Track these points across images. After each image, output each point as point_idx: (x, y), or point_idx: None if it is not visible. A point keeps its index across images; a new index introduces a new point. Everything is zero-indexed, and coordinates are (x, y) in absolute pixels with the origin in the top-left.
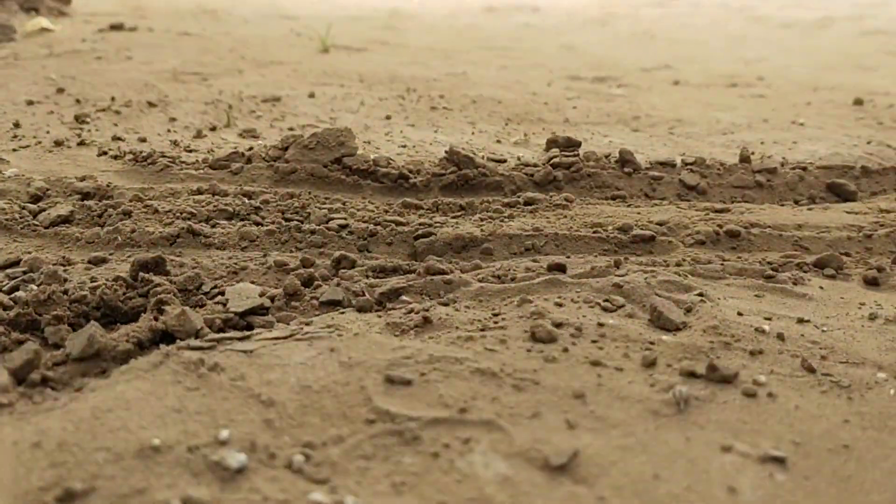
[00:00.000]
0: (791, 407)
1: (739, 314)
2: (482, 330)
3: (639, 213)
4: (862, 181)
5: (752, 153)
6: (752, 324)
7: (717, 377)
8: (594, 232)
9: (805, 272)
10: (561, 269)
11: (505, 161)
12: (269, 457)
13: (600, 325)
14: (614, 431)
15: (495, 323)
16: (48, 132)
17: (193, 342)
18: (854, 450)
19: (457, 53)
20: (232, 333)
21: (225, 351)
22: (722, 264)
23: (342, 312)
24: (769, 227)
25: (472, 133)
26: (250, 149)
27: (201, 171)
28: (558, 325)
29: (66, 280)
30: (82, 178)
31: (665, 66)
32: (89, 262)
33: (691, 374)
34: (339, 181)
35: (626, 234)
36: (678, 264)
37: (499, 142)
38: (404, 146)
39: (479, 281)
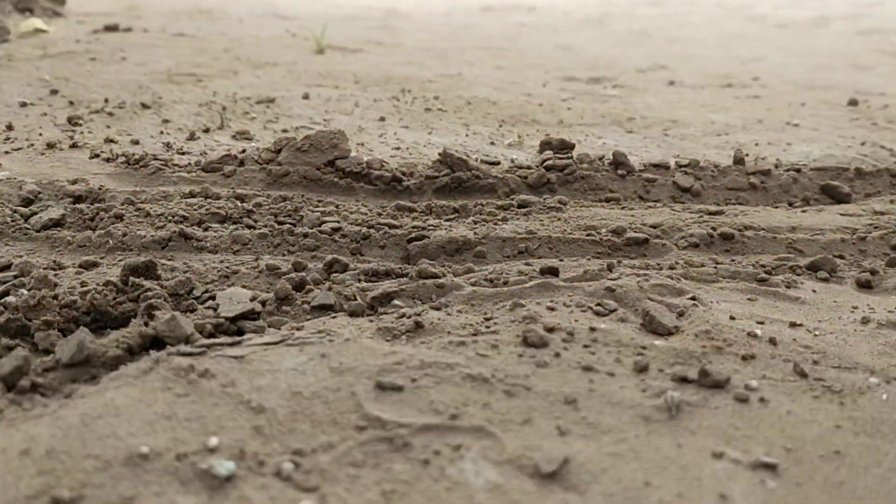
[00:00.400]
0: (783, 412)
1: (732, 318)
2: (474, 335)
3: (632, 216)
4: (856, 183)
5: (747, 155)
6: (744, 328)
7: (708, 382)
8: (587, 235)
9: (798, 275)
10: (553, 272)
11: (499, 163)
12: (258, 464)
13: (592, 329)
14: (606, 438)
15: (487, 327)
16: (41, 134)
17: (184, 348)
18: (846, 456)
19: (452, 53)
20: (223, 339)
21: (215, 357)
22: (715, 267)
23: (334, 317)
24: (763, 229)
25: (466, 135)
26: (243, 151)
27: (194, 174)
28: (550, 330)
29: (56, 285)
30: (74, 181)
31: (660, 66)
32: (80, 266)
33: (683, 380)
34: (332, 184)
35: (619, 236)
36: (671, 267)
37: (493, 143)
38: (398, 148)
39: (472, 285)
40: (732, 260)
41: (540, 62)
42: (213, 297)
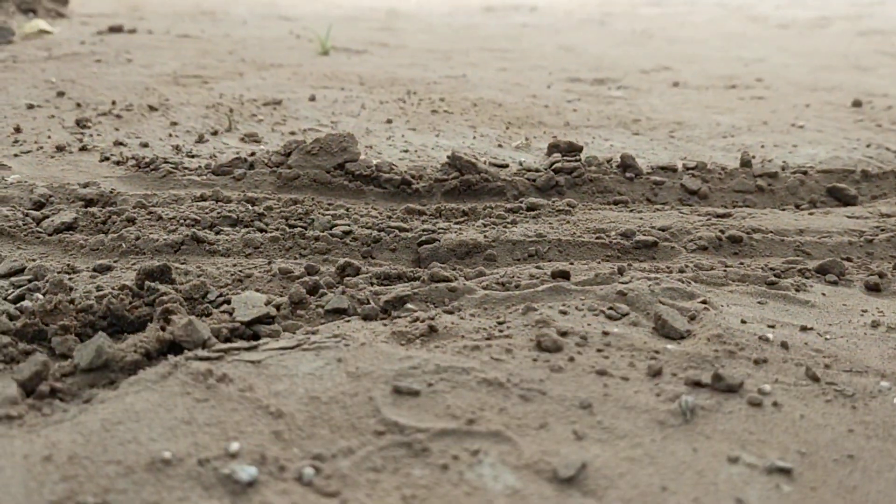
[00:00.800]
0: (796, 416)
1: (743, 322)
2: (488, 339)
3: (641, 219)
4: (862, 185)
5: (753, 157)
6: (755, 332)
7: (722, 386)
8: (597, 238)
9: (807, 278)
10: (565, 276)
11: (507, 166)
12: (279, 469)
13: (605, 333)
14: (622, 442)
15: (500, 332)
16: (49, 137)
17: (201, 353)
18: (859, 460)
19: (456, 55)
20: (239, 343)
21: (233, 361)
22: (724, 270)
23: (348, 321)
24: (771, 232)
25: (474, 137)
26: (252, 154)
27: (204, 178)
28: (563, 334)
29: (71, 289)
30: (85, 185)
31: (664, 67)
32: (94, 269)
33: (697, 384)
34: (342, 187)
35: (628, 239)
36: (681, 270)
37: (500, 146)
38: (406, 151)
39: (484, 288)
40: (741, 263)
41: (543, 63)
42: (227, 301)
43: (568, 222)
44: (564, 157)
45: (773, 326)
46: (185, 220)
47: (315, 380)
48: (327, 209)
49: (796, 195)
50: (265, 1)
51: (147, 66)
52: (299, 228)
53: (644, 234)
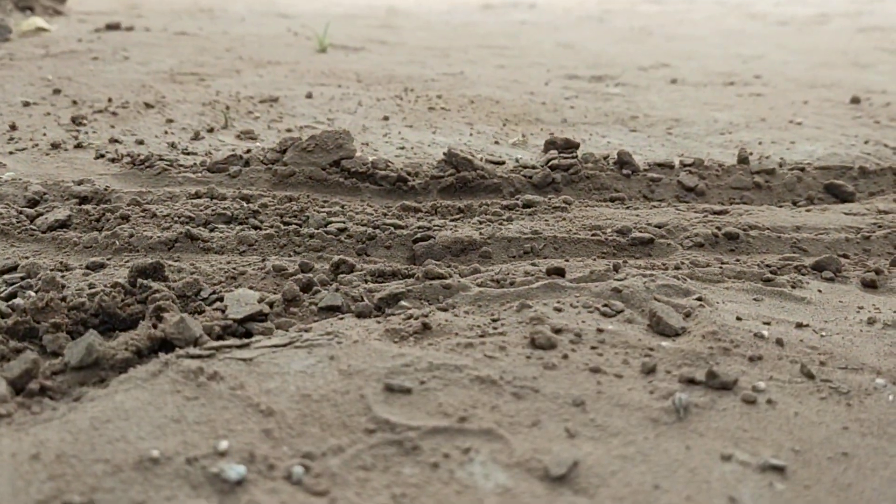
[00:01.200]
0: (790, 414)
1: (738, 319)
2: (481, 336)
3: (637, 216)
4: (860, 182)
5: (751, 154)
6: (751, 329)
7: (716, 384)
8: (593, 235)
9: (803, 275)
10: (560, 273)
11: (503, 163)
12: (268, 468)
13: (599, 330)
14: (614, 440)
15: (494, 329)
16: (45, 134)
17: (192, 350)
18: (854, 457)
19: (454, 52)
20: (231, 341)
21: (224, 359)
22: (720, 267)
23: (341, 318)
24: (768, 228)
25: (471, 134)
26: (248, 151)
27: (199, 175)
28: (558, 332)
29: (64, 286)
30: (80, 182)
31: (662, 64)
32: (87, 267)
33: (691, 381)
34: (338, 184)
35: (624, 236)
36: (677, 267)
37: (497, 143)
38: (402, 148)
39: (478, 285)
40: (737, 260)
41: (541, 60)
42: (220, 299)
43: (564, 219)
44: (561, 154)
45: (768, 323)
46: (179, 217)
47: (307, 378)
48: (322, 206)
49: (794, 192)
50: None
51: (144, 64)
52: (294, 226)
53: (640, 231)
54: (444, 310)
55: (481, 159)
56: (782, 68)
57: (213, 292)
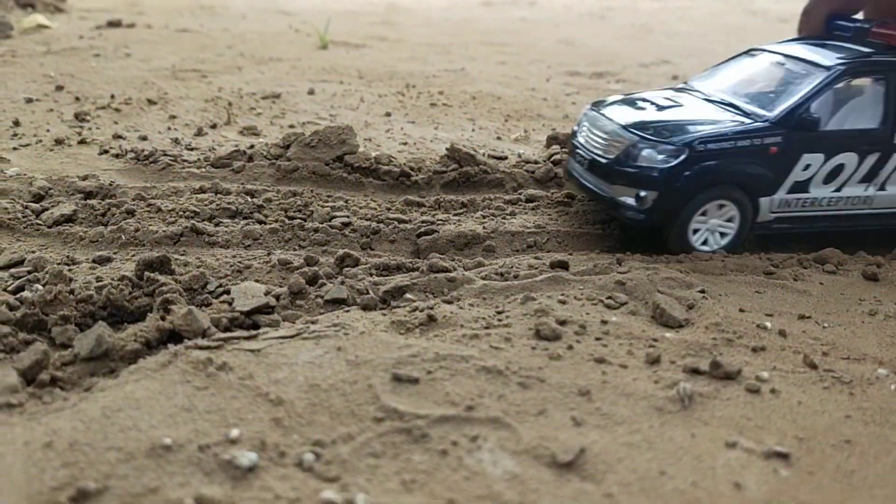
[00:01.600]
0: (794, 403)
1: (741, 311)
2: (487, 328)
3: None
4: None
5: None
6: (753, 320)
7: (720, 374)
8: (596, 229)
9: (805, 268)
10: (564, 266)
11: (506, 158)
12: (279, 455)
13: (604, 322)
14: (620, 428)
15: (500, 321)
16: (48, 130)
17: (201, 342)
18: (856, 445)
19: (455, 48)
20: (239, 333)
21: (232, 350)
22: (723, 260)
23: (347, 311)
24: None
25: (473, 130)
26: (251, 147)
27: (203, 170)
28: (562, 323)
29: (71, 280)
30: (84, 177)
31: (663, 60)
32: (94, 261)
33: (695, 371)
34: (341, 179)
35: (626, 231)
36: (679, 261)
37: (499, 138)
38: (405, 143)
39: (483, 278)
40: (738, 255)
41: (542, 57)
42: (227, 292)
43: (566, 213)
44: (563, 149)
45: (770, 315)
46: (184, 212)
47: (315, 368)
48: (326, 201)
49: None
50: None
51: (146, 61)
52: (298, 220)
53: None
54: (449, 302)
55: (484, 154)
56: None
57: (220, 285)
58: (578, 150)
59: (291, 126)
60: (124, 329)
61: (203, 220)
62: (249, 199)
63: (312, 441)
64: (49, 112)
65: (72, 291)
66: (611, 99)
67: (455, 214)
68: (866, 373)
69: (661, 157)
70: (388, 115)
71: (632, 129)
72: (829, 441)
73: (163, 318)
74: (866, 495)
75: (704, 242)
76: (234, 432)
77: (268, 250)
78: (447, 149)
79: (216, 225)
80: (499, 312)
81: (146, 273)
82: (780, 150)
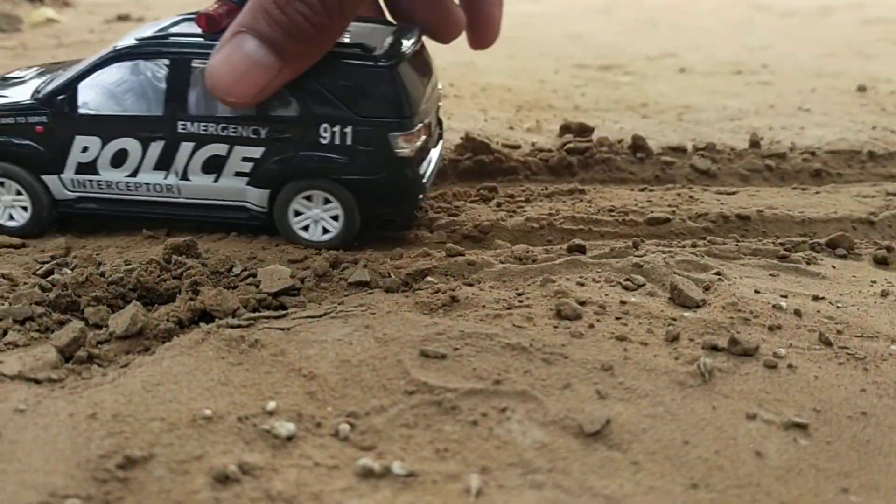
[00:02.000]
0: (811, 377)
1: (756, 292)
2: (508, 308)
3: (651, 198)
4: (868, 165)
5: (761, 139)
6: (769, 301)
7: (738, 350)
8: (610, 215)
9: (818, 252)
10: (581, 249)
11: (519, 147)
12: (315, 426)
13: (623, 302)
14: (643, 401)
15: (520, 302)
16: None
17: (232, 321)
18: (872, 416)
19: (461, 42)
20: (268, 313)
21: (263, 329)
22: (737, 244)
23: (370, 293)
24: (778, 209)
25: (485, 120)
26: None
27: None
28: (582, 304)
29: (100, 263)
30: None
31: (669, 53)
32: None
33: (713, 348)
34: None
35: (641, 217)
36: (694, 245)
37: (511, 128)
38: None
39: (501, 262)
40: (752, 239)
41: (550, 50)
42: (253, 275)
43: (581, 201)
44: (576, 138)
45: (785, 296)
46: None
47: (344, 345)
48: None
49: (804, 174)
50: None
51: None
52: None
53: (656, 212)
54: (470, 285)
55: (497, 143)
56: (789, 58)
57: (245, 269)
58: None
59: None
60: (155, 310)
61: None
62: None
63: (347, 413)
64: None
65: (102, 274)
66: None
67: (470, 202)
68: (880, 349)
69: None
70: None
71: None
72: (845, 413)
73: (192, 300)
74: (882, 462)
75: None
76: (271, 404)
77: None
78: (462, 138)
79: None
80: (519, 294)
81: (174, 256)
82: (47, 130)
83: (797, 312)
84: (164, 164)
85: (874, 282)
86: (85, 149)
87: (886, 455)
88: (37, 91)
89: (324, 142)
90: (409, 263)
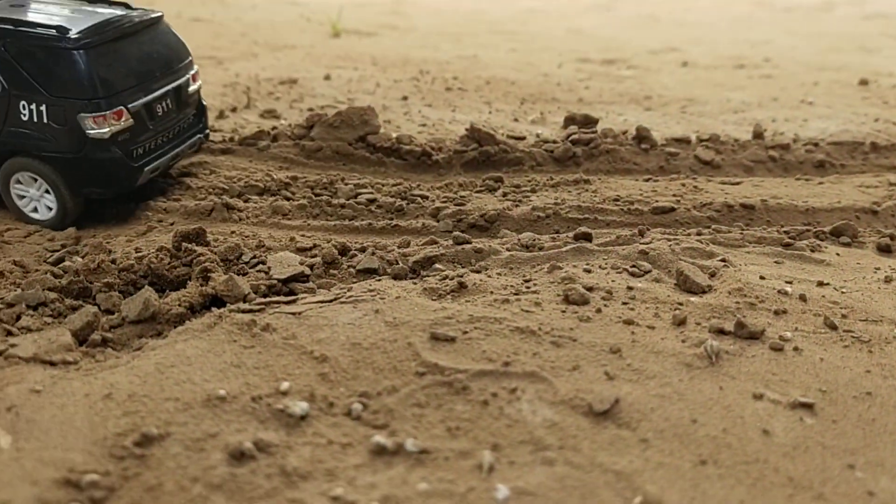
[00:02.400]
0: (816, 359)
1: (762, 278)
2: (516, 294)
3: (656, 188)
4: (871, 156)
5: (765, 130)
6: (774, 286)
7: (744, 333)
8: (615, 205)
9: (822, 240)
10: (587, 237)
11: (524, 138)
12: (328, 405)
13: (629, 288)
14: (651, 382)
15: (528, 288)
16: None
17: (243, 305)
18: (877, 396)
19: (465, 37)
20: (278, 298)
21: (274, 313)
22: (742, 233)
23: (379, 280)
24: (782, 199)
25: (490, 112)
26: (275, 128)
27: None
28: (590, 289)
29: (110, 251)
30: None
31: (672, 48)
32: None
33: (720, 332)
34: (364, 158)
35: (645, 206)
36: (699, 233)
37: (516, 120)
38: (424, 125)
39: (508, 250)
40: (757, 228)
41: (552, 45)
42: (262, 262)
43: (586, 191)
44: (581, 130)
45: (790, 282)
46: (213, 189)
47: (355, 329)
48: (350, 180)
49: (807, 164)
50: None
51: None
52: (325, 197)
53: (660, 202)
54: (478, 271)
55: (502, 134)
56: (791, 52)
57: (254, 256)
58: None
59: (310, 109)
60: (166, 296)
61: (232, 196)
62: (276, 177)
63: (359, 393)
64: None
65: (113, 261)
66: None
67: (476, 192)
68: (884, 333)
69: None
70: (405, 98)
71: None
72: (850, 393)
73: (203, 285)
74: (887, 440)
75: None
76: (284, 385)
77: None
78: (467, 129)
79: (245, 201)
80: (526, 281)
81: (184, 244)
82: None
83: (802, 297)
84: None
85: (878, 269)
86: None
87: (892, 433)
88: None
89: (24, 118)
90: (417, 251)
